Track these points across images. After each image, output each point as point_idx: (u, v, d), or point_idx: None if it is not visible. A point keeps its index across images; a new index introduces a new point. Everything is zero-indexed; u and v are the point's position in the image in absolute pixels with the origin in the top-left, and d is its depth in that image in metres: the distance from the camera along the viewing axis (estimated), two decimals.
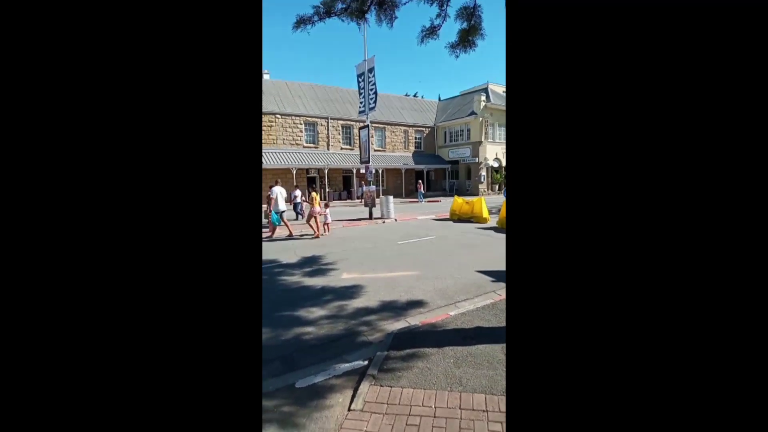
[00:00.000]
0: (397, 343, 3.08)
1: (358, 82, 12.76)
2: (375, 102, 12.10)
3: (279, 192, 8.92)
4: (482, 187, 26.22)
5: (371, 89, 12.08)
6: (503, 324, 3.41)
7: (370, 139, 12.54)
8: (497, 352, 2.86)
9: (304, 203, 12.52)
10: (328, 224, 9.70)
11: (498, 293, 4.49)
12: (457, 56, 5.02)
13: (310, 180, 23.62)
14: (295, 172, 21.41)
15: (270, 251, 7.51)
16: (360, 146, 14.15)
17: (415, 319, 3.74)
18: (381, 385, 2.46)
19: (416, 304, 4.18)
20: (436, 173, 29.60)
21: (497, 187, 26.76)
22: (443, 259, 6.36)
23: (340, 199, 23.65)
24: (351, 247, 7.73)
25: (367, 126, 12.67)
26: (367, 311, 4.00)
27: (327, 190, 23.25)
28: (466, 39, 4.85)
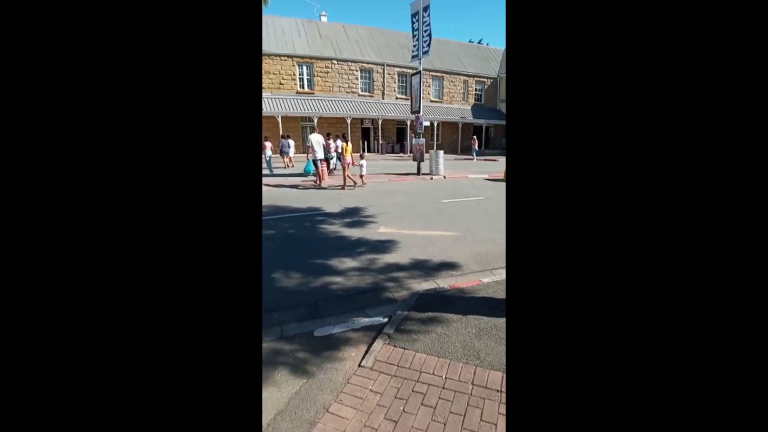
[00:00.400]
0: (420, 304, 2.98)
1: (412, 23, 11.64)
2: (429, 45, 11.07)
3: (315, 140, 8.97)
4: None
5: (425, 31, 10.99)
6: None
7: (423, 87, 11.70)
8: None
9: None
10: (362, 176, 9.53)
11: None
12: None
13: (364, 131, 23.30)
14: (350, 122, 21.19)
15: (316, 199, 7.69)
16: (411, 95, 13.34)
17: (445, 282, 3.59)
18: (395, 346, 2.40)
19: (449, 266, 4.01)
20: (495, 129, 27.53)
21: None
22: (488, 222, 5.99)
23: (392, 152, 23.24)
24: (393, 201, 7.60)
25: (419, 72, 11.76)
26: (397, 267, 3.93)
27: (380, 142, 22.90)
28: None
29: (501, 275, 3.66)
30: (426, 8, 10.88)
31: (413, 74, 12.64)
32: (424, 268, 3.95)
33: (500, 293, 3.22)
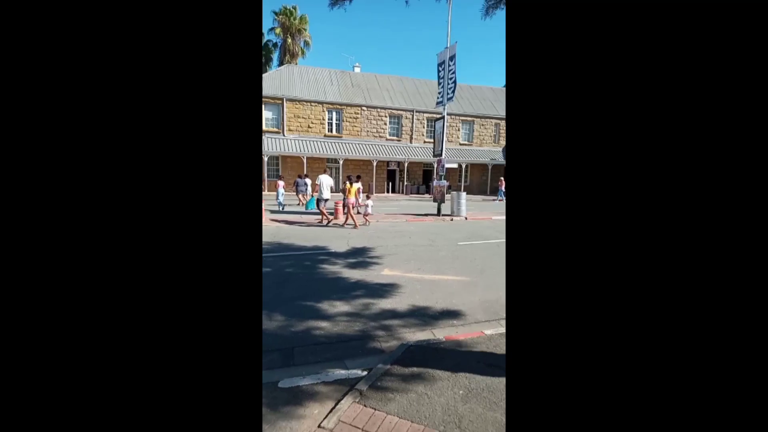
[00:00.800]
0: (407, 358, 2.70)
1: (438, 71, 12.18)
2: (453, 92, 11.44)
3: (324, 181, 9.37)
4: None
5: (450, 78, 11.44)
6: None
7: (453, 131, 11.90)
8: None
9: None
10: (366, 216, 9.67)
11: None
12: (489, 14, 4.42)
13: (390, 173, 23.84)
14: (375, 164, 21.81)
15: (325, 237, 7.65)
16: (435, 138, 13.61)
17: (443, 332, 3.28)
18: (365, 405, 2.13)
19: (451, 315, 3.69)
20: None
21: None
22: (504, 266, 5.59)
23: (417, 192, 23.38)
24: (405, 242, 7.39)
25: (443, 118, 12.06)
26: (392, 314, 3.66)
27: (405, 183, 23.21)
28: None
29: None
30: (452, 58, 11.39)
31: (437, 119, 12.98)
32: (422, 315, 3.66)
33: (501, 348, 2.86)
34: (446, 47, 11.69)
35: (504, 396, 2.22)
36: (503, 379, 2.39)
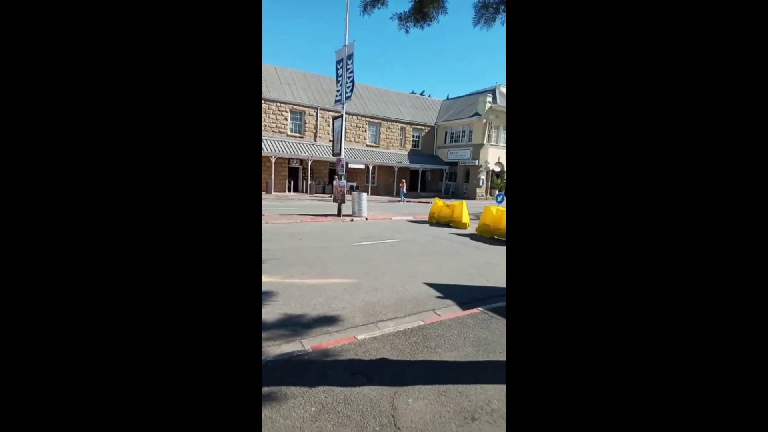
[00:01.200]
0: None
1: (336, 69, 12.11)
2: (352, 91, 11.51)
3: None
4: (480, 191, 25.53)
5: (349, 77, 11.45)
6: (417, 357, 2.71)
7: (344, 130, 11.89)
8: (385, 399, 2.14)
9: None
10: None
11: (437, 312, 3.79)
12: (407, 31, 4.27)
13: (292, 170, 22.97)
14: (274, 161, 20.75)
15: None
16: (333, 137, 13.51)
17: (314, 341, 3.04)
18: None
19: (327, 321, 3.48)
20: (432, 174, 28.96)
21: (497, 192, 26.07)
22: (395, 266, 5.65)
23: (323, 192, 23.00)
24: (293, 245, 7.02)
25: (342, 116, 12.00)
26: None
27: (309, 182, 22.61)
28: (421, 11, 4.12)
29: (385, 329, 3.22)
30: (350, 56, 11.38)
31: (335, 118, 12.89)
32: (294, 324, 3.37)
33: (371, 353, 2.74)
34: (344, 45, 11.66)
35: (360, 408, 2.07)
36: (365, 389, 2.26)
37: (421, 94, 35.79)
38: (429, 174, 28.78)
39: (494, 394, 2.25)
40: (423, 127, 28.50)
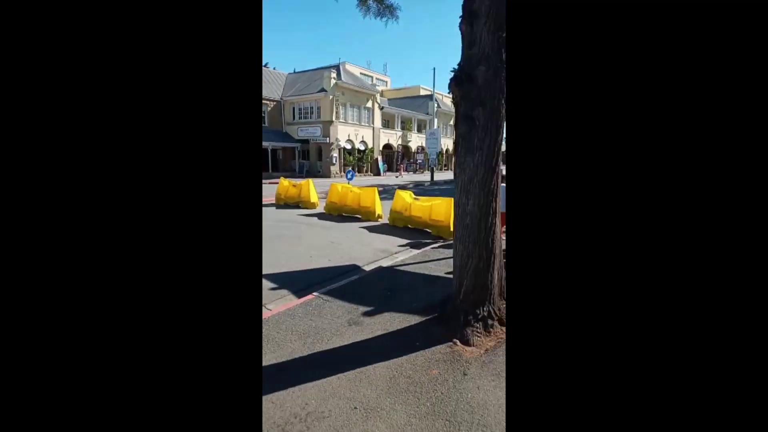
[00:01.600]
0: None
1: None
2: None
3: None
4: (334, 168, 25.73)
5: None
6: None
7: None
8: None
9: None
10: None
11: (268, 308, 3.43)
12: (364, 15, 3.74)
13: None
14: None
15: None
16: None
17: None
18: None
19: None
20: (284, 152, 27.64)
21: (348, 169, 26.74)
22: None
23: None
24: None
25: None
26: None
27: None
28: None
29: None
30: None
31: None
32: None
33: None
34: None
35: None
36: None
37: (265, 65, 33.13)
38: (280, 152, 27.39)
39: (313, 394, 2.06)
40: (269, 102, 26.66)
